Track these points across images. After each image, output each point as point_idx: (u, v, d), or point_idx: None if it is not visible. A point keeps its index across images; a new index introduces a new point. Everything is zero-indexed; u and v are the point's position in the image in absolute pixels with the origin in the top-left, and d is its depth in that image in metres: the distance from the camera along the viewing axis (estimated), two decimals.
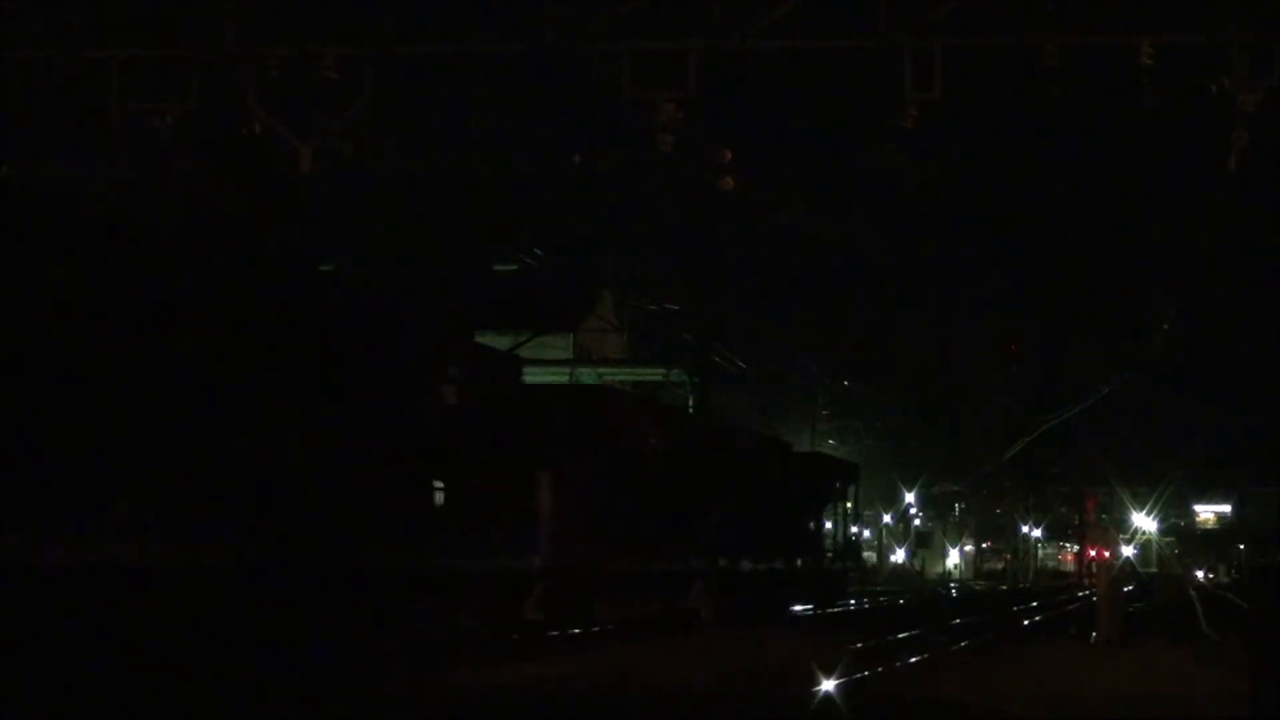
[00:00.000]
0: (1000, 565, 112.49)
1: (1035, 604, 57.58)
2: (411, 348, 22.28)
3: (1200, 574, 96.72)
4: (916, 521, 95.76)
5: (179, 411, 17.51)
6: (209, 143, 20.24)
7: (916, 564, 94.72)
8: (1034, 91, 18.33)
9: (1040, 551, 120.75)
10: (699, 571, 33.22)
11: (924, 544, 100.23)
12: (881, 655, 24.62)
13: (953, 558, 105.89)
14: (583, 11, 18.43)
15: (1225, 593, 66.24)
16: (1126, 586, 37.50)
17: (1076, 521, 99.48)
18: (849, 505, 49.70)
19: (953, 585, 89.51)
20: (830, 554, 46.92)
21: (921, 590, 70.46)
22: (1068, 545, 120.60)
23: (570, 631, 26.96)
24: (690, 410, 52.47)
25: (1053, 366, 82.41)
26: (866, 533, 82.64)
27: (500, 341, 42.86)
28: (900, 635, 29.86)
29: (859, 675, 21.19)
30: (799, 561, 42.39)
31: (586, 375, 57.90)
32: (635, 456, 30.83)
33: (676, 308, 51.78)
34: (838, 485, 48.15)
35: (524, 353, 40.67)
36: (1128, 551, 76.73)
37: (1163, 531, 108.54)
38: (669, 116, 18.18)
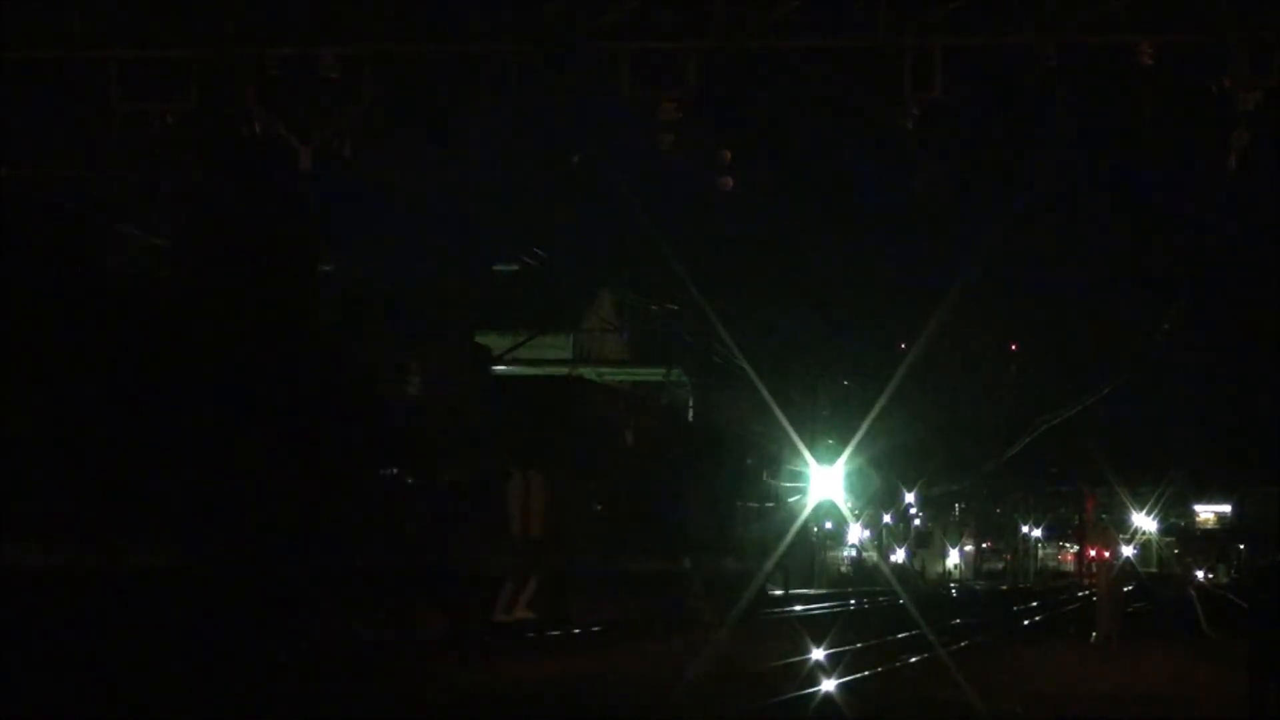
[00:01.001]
0: (1000, 565, 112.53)
1: (1035, 604, 57.60)
2: None
3: (1200, 574, 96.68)
4: (916, 522, 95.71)
5: (169, 418, 17.58)
6: (209, 143, 20.24)
7: (916, 564, 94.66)
8: (1035, 91, 18.33)
9: (1040, 551, 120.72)
10: (509, 573, 25.63)
11: (924, 544, 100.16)
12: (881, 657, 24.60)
13: (953, 558, 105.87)
14: (583, 11, 18.42)
15: (1225, 593, 66.26)
16: (1126, 586, 37.51)
17: (1076, 521, 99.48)
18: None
19: (953, 585, 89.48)
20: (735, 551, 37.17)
21: (920, 590, 70.38)
22: (1068, 545, 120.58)
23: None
24: (691, 409, 52.39)
25: (1053, 366, 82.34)
26: (866, 531, 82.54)
27: (500, 341, 42.86)
28: (901, 636, 29.87)
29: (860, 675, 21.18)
30: (686, 560, 33.62)
31: (586, 375, 57.86)
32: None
33: (676, 308, 51.70)
34: (746, 463, 39.26)
35: (524, 353, 40.58)
36: (1128, 551, 76.64)
37: (1163, 531, 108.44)
38: (669, 116, 18.18)
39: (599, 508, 29.20)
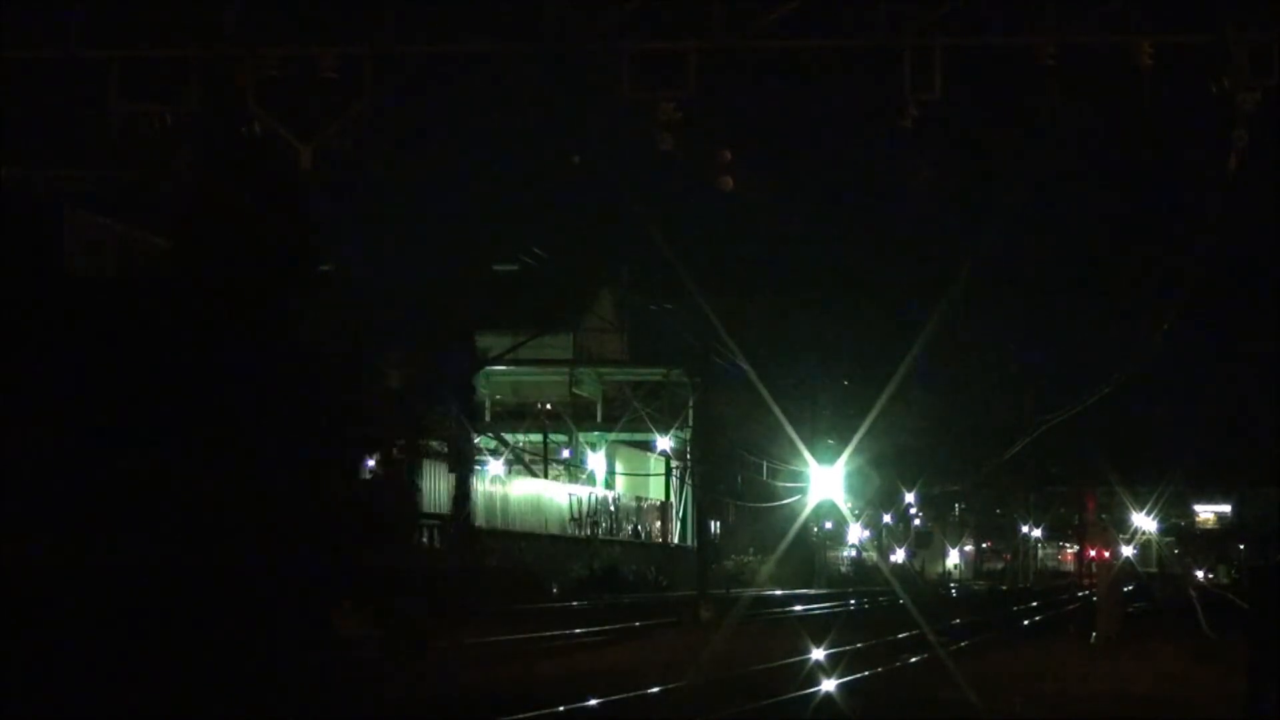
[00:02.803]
0: (1000, 565, 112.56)
1: (1035, 604, 57.62)
2: None
3: (1200, 574, 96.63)
4: (916, 522, 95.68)
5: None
6: (208, 142, 20.23)
7: (916, 564, 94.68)
8: (1034, 91, 18.33)
9: (1040, 551, 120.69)
10: None
11: (924, 544, 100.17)
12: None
13: (953, 558, 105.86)
14: (583, 11, 18.42)
15: (1225, 593, 66.22)
16: (1126, 586, 37.53)
17: (1076, 521, 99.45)
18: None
19: (953, 585, 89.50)
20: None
21: (920, 590, 70.35)
22: (1068, 545, 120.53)
23: None
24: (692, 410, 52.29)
25: (1054, 366, 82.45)
26: (866, 531, 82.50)
27: (500, 341, 42.84)
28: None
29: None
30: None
31: (586, 375, 57.85)
32: None
33: (676, 308, 51.73)
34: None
35: (524, 353, 40.50)
36: (1128, 551, 76.67)
37: (1163, 531, 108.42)
38: (669, 116, 18.18)
39: None
